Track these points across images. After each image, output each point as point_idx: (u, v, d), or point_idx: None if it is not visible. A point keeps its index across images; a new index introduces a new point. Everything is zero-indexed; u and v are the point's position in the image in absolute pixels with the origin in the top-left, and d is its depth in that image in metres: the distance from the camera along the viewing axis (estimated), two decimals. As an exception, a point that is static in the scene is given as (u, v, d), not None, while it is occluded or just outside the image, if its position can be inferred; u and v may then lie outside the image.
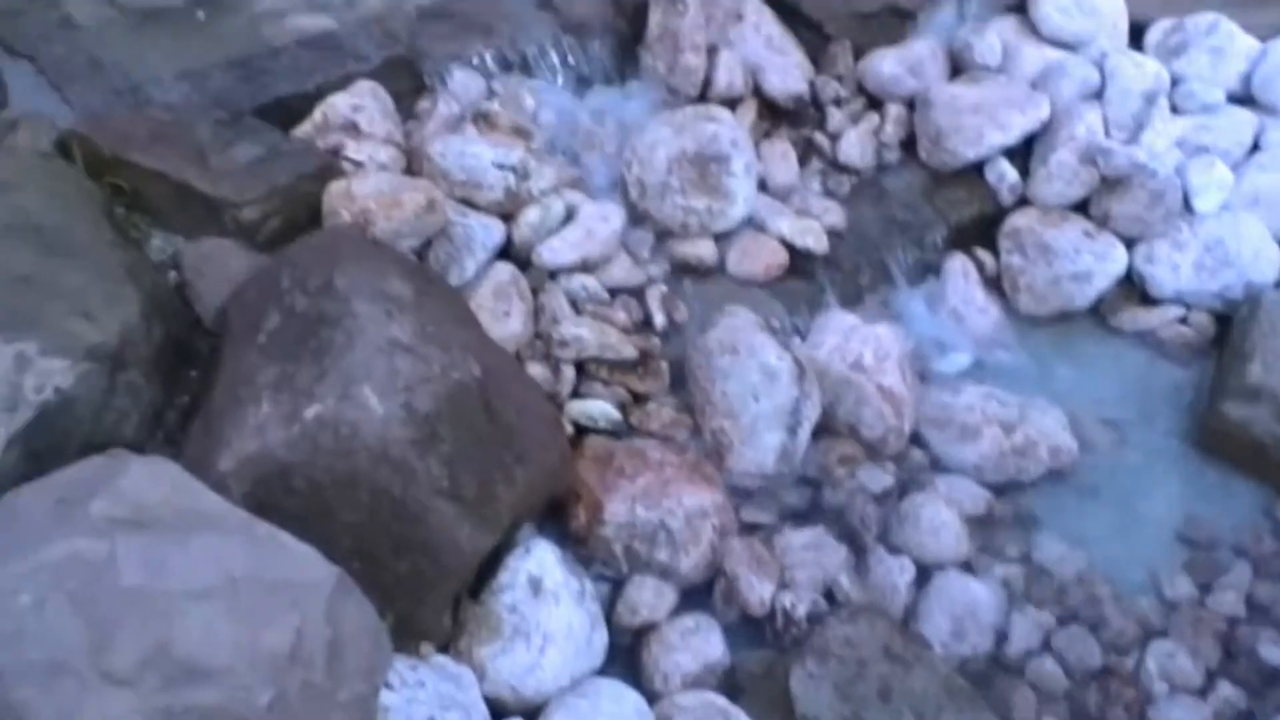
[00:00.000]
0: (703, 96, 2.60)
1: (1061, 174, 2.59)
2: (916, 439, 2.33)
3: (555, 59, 2.61)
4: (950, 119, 2.61)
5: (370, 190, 2.09)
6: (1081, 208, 2.63)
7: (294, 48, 2.50)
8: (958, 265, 2.58)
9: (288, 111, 2.36)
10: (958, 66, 2.75)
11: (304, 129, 2.34)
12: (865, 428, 2.28)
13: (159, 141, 2.18)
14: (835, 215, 2.54)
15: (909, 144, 2.68)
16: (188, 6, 2.62)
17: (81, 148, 2.14)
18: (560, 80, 2.60)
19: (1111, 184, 2.58)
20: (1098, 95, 2.67)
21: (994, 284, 2.61)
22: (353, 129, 2.33)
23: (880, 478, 2.25)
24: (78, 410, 1.73)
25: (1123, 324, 2.60)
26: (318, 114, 2.35)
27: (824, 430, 2.27)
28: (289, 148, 2.24)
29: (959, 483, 2.28)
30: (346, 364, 1.76)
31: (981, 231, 2.64)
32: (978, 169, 2.64)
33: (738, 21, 2.68)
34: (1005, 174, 2.62)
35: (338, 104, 2.35)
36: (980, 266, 2.60)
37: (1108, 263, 2.58)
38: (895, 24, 2.76)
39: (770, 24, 2.71)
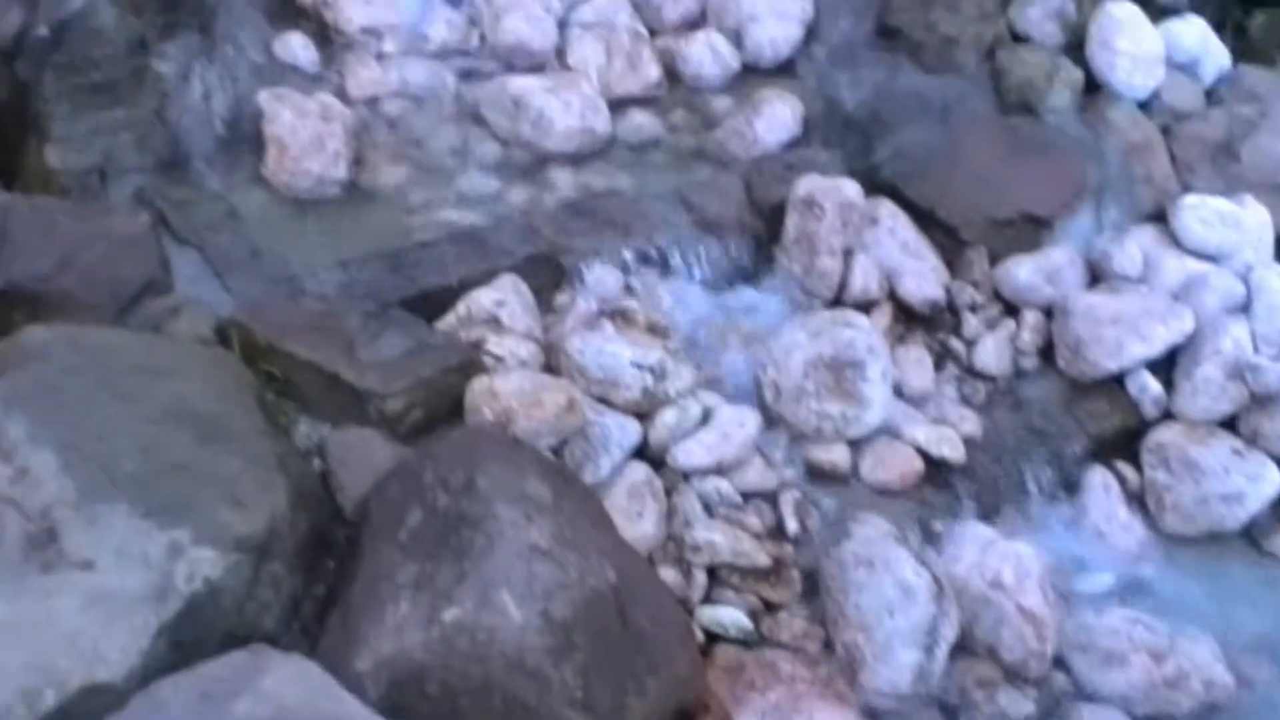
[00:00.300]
0: (838, 299, 2.62)
1: (1207, 389, 2.53)
2: (1059, 663, 2.23)
3: (692, 257, 2.65)
4: (1090, 329, 2.58)
5: (513, 389, 2.13)
6: (1230, 424, 2.55)
7: (441, 241, 2.59)
8: (1099, 479, 2.51)
9: (432, 303, 2.43)
10: (1096, 275, 2.72)
11: (447, 321, 2.40)
12: (1005, 649, 2.20)
13: (312, 331, 2.25)
14: (971, 424, 2.51)
15: (1047, 352, 2.65)
16: (343, 198, 2.75)
17: (239, 336, 2.23)
18: (696, 279, 2.64)
19: (1261, 401, 2.51)
20: (1244, 309, 2.62)
21: (1138, 500, 2.52)
22: (495, 323, 2.38)
23: (1021, 703, 2.15)
24: (223, 601, 1.74)
25: (1277, 549, 2.49)
26: (461, 307, 2.41)
27: (961, 650, 2.19)
28: (433, 341, 2.30)
29: (1105, 713, 2.17)
30: (486, 568, 1.76)
31: (1123, 445, 2.57)
32: (1119, 380, 2.59)
33: (873, 225, 2.71)
34: (1148, 387, 2.56)
35: (481, 298, 2.41)
36: (1123, 481, 2.52)
37: (1260, 484, 2.49)
38: (1031, 231, 2.77)
39: (905, 228, 2.73)
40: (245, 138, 2.78)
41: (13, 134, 2.69)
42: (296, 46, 3.02)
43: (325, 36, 3.06)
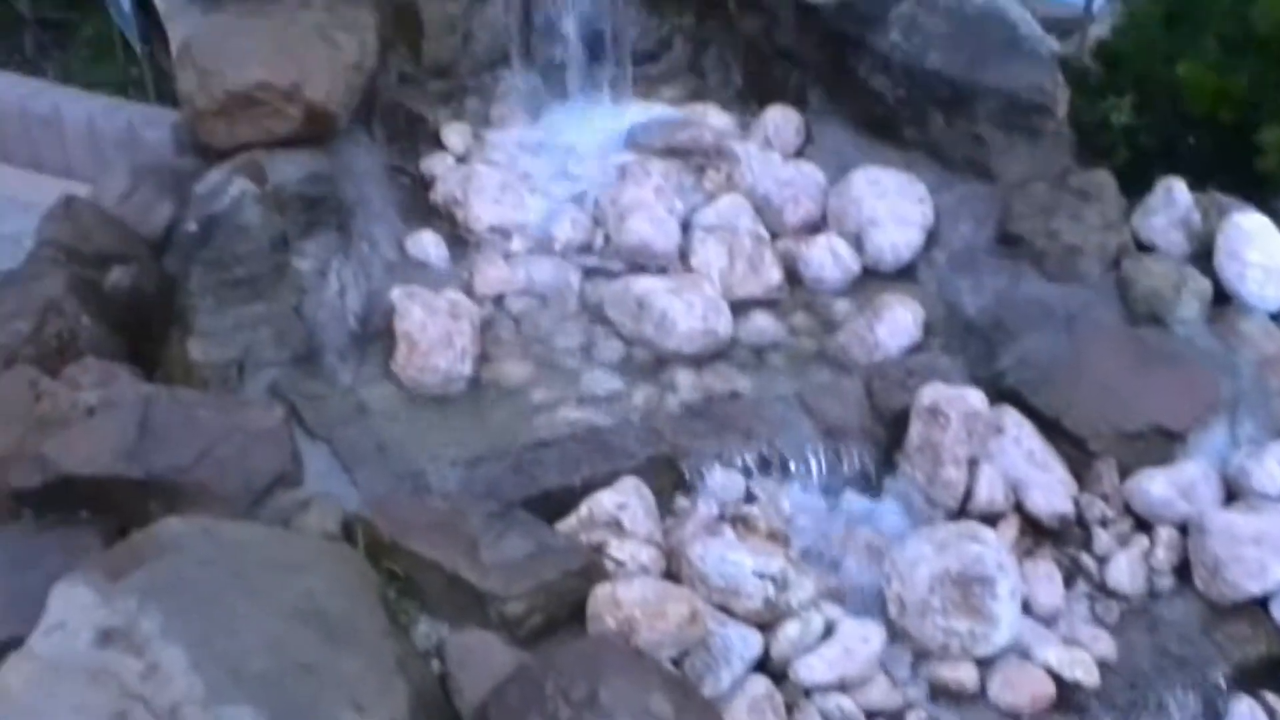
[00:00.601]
0: (963, 510, 2.56)
1: (1360, 618, 2.40)
2: None
3: (813, 463, 2.62)
4: (1228, 549, 2.48)
5: (636, 598, 2.11)
6: (1387, 656, 2.42)
7: (564, 441, 2.60)
8: (1245, 710, 2.37)
9: (554, 503, 2.43)
10: (1232, 492, 2.63)
11: (569, 522, 2.40)
12: None
13: (435, 530, 2.26)
14: (1105, 644, 2.40)
15: (1182, 571, 2.54)
16: (468, 395, 2.80)
17: (364, 532, 2.25)
18: (817, 484, 2.61)
19: None
20: (1394, 532, 2.50)
21: (1289, 735, 2.39)
22: (616, 527, 2.37)
23: None
24: (340, 812, 1.72)
25: None
26: (583, 509, 2.40)
27: None
28: (555, 543, 2.29)
29: None
30: (608, 788, 1.72)
31: (1270, 673, 2.43)
32: (1262, 603, 2.47)
33: (998, 435, 2.66)
34: (1294, 614, 2.45)
35: (603, 501, 2.40)
36: (1271, 714, 2.38)
37: None
38: (1163, 444, 2.69)
39: (1031, 438, 2.68)
40: (376, 333, 2.88)
41: (158, 325, 2.81)
42: (428, 244, 3.14)
43: (456, 235, 3.20)
